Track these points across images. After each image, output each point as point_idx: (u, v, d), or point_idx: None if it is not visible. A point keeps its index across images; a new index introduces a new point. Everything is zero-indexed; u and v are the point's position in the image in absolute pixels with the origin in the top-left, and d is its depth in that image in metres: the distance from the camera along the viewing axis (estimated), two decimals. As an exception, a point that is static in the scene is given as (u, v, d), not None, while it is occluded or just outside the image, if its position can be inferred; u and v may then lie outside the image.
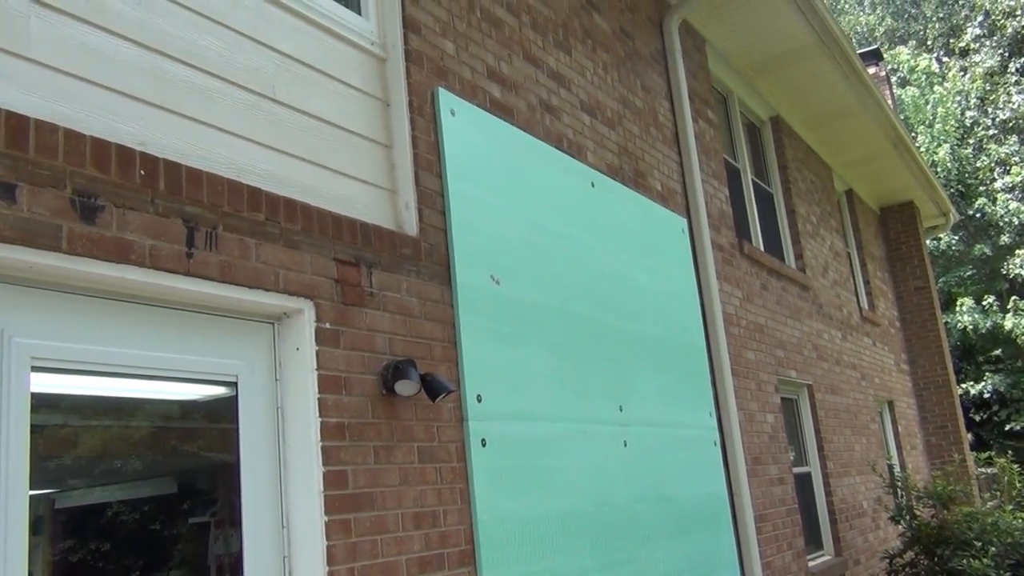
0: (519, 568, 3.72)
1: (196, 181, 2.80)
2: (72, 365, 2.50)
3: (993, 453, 9.67)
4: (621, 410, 4.78)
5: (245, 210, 2.94)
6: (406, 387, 3.23)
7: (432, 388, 3.34)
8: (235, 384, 2.95)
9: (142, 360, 2.67)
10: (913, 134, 23.58)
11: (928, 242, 15.15)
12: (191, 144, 2.91)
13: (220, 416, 2.98)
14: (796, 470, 7.52)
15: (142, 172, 2.63)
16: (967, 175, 23.19)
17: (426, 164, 3.83)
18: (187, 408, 3.00)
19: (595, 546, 4.27)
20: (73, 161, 2.46)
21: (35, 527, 2.65)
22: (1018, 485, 7.83)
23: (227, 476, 2.94)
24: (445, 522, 3.44)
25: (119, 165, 2.57)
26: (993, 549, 6.36)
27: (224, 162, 3.00)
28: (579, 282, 4.70)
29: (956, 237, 22.71)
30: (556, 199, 4.68)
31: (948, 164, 22.91)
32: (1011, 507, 7.56)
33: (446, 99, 4.01)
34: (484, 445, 3.70)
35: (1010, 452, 9.43)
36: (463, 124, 4.09)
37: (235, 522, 2.87)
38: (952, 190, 22.05)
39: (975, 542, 6.49)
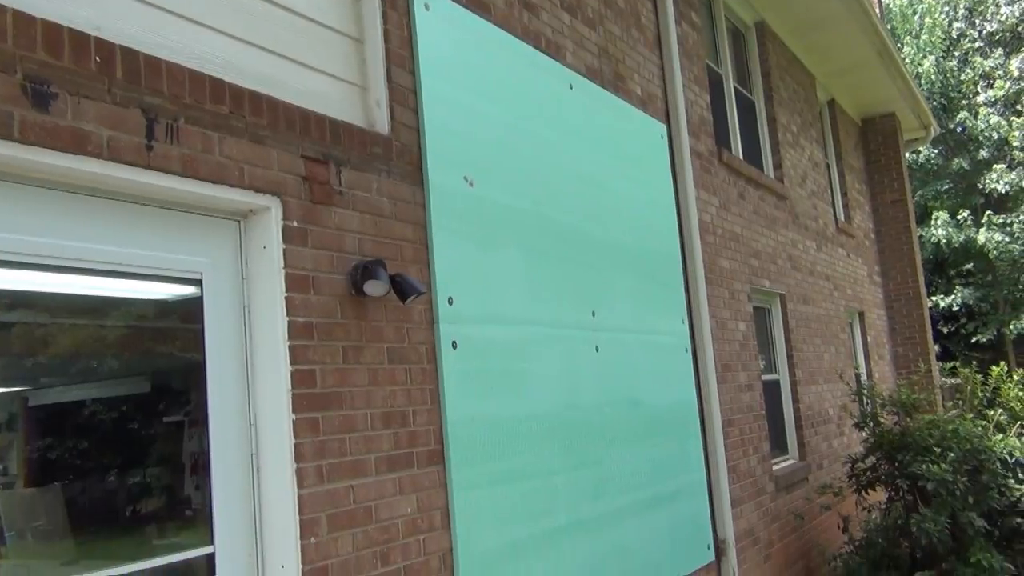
0: (487, 467, 3.77)
1: (155, 70, 2.69)
2: (29, 259, 2.43)
3: (958, 364, 9.86)
4: (594, 315, 4.78)
5: (208, 102, 2.84)
6: (375, 287, 3.19)
7: (402, 289, 3.31)
8: (200, 282, 2.90)
9: (103, 255, 2.61)
10: (899, 44, 23.27)
11: (907, 155, 15.11)
12: (150, 31, 2.78)
13: (190, 316, 2.93)
14: (765, 377, 7.65)
15: (97, 59, 2.52)
16: (950, 88, 23.03)
17: (399, 60, 3.71)
18: (158, 308, 2.95)
19: (564, 448, 4.33)
20: (23, 45, 2.34)
21: (9, 424, 2.64)
22: (980, 395, 8.00)
23: (199, 376, 2.91)
24: (414, 422, 3.46)
25: (73, 51, 2.46)
26: (952, 455, 6.53)
27: (185, 51, 2.87)
28: (554, 186, 4.63)
29: (936, 151, 22.72)
30: (533, 100, 4.58)
31: (932, 76, 22.72)
32: (971, 415, 7.74)
33: (420, -9, 3.86)
34: (455, 347, 3.69)
35: (974, 363, 9.61)
36: (437, 19, 3.95)
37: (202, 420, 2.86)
38: (935, 103, 21.93)
39: (935, 448, 6.66)
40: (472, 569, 3.58)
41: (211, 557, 2.80)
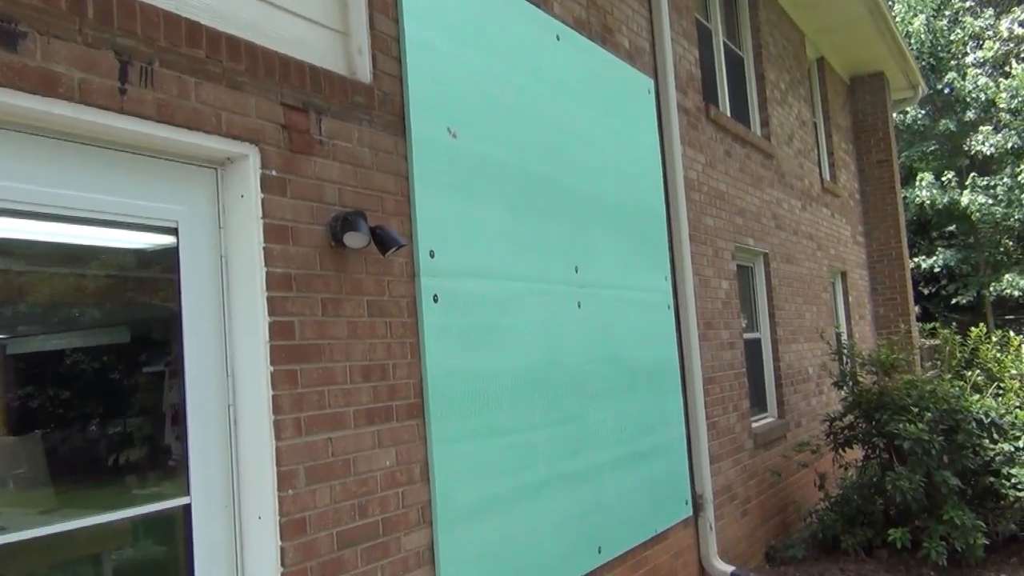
0: (468, 422, 3.77)
1: (129, 11, 2.60)
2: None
3: (938, 325, 9.93)
4: (576, 271, 4.76)
5: (184, 46, 2.76)
6: (355, 239, 3.15)
7: (382, 241, 3.26)
8: (176, 231, 2.84)
9: (76, 201, 2.55)
10: (890, 2, 23.06)
11: (895, 115, 15.06)
12: (123, -30, 2.68)
13: (167, 265, 2.88)
14: (747, 336, 7.67)
15: (67, -3, 2.43)
16: (940, 48, 22.90)
17: (381, 6, 3.62)
18: (134, 257, 2.89)
19: (545, 402, 4.33)
20: (-11, -19, 2.26)
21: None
22: (958, 356, 8.07)
23: (176, 326, 2.87)
24: (394, 376, 3.44)
25: (41, -12, 2.37)
26: (929, 415, 6.60)
27: (160, -8, 2.78)
28: (539, 139, 4.57)
29: (923, 111, 22.66)
30: (519, 51, 4.50)
31: (922, 35, 22.58)
32: (949, 376, 7.81)
33: (404, -65, 3.75)
34: (436, 301, 3.66)
35: (954, 324, 9.68)
36: (422, -36, 3.85)
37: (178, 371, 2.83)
38: (923, 63, 21.82)
39: (912, 408, 6.72)
40: (451, 522, 3.59)
41: (187, 508, 2.78)
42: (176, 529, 2.80)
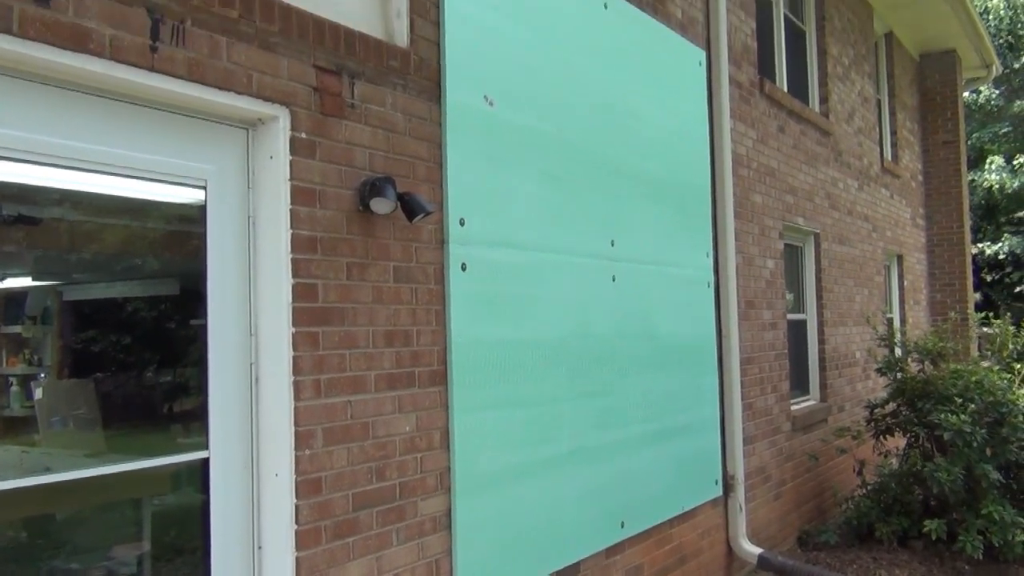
0: (492, 391, 3.77)
1: (162, -31, 2.62)
2: (28, 156, 2.42)
3: (991, 314, 9.63)
4: (613, 245, 4.71)
5: (217, 5, 2.77)
6: (381, 205, 3.15)
7: (410, 207, 3.26)
8: (204, 188, 2.87)
9: (106, 156, 2.59)
10: (969, -23, 22.18)
11: (966, 94, 14.54)
12: (159, -73, 2.70)
13: (196, 221, 2.92)
14: (792, 316, 7.55)
15: (100, -46, 2.45)
16: (1019, 25, 21.98)
17: (422, -31, 3.59)
18: (164, 212, 2.93)
19: (572, 375, 4.32)
20: (22, -64, 2.28)
21: (44, 317, 2.70)
22: (1010, 346, 7.82)
23: (203, 283, 2.92)
24: (418, 342, 3.46)
25: (74, -56, 2.39)
26: (972, 406, 6.42)
27: (195, -50, 2.79)
28: (581, 110, 4.51)
29: (997, 91, 21.84)
30: (563, 19, 4.42)
31: (1001, 12, 21.69)
32: (998, 367, 7.58)
33: (448, -102, 3.70)
34: (464, 269, 3.66)
35: (1009, 314, 9.38)
36: (466, -72, 3.79)
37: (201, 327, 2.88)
38: (1001, 40, 20.98)
39: (956, 398, 6.55)
40: (469, 489, 3.62)
41: (206, 462, 2.84)
42: (195, 482, 2.87)
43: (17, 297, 2.71)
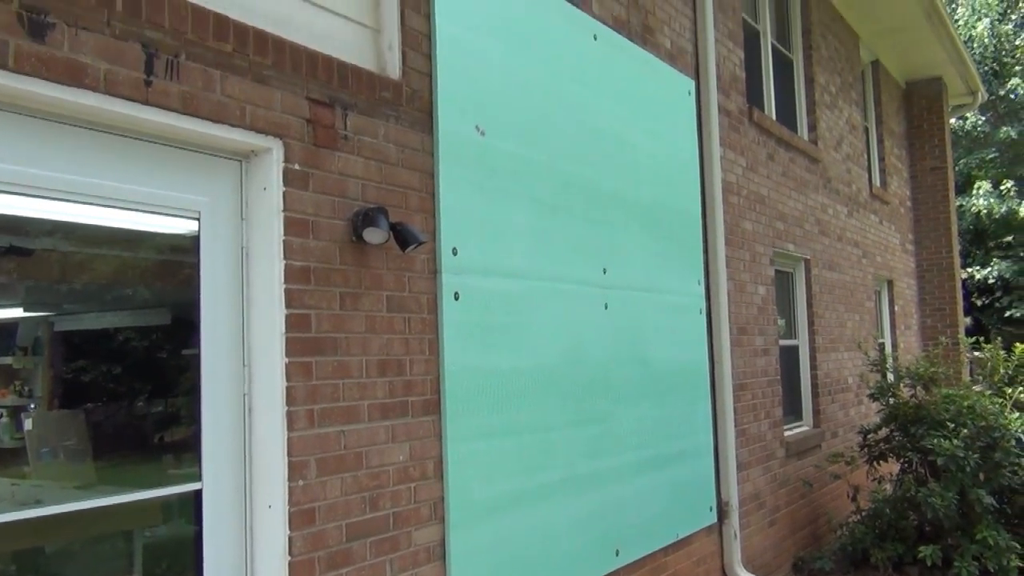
0: (485, 419, 3.77)
1: (157, 4, 2.65)
2: (23, 189, 2.43)
3: (982, 339, 9.68)
4: (605, 272, 4.73)
5: (211, 39, 2.80)
6: (374, 235, 3.17)
7: (403, 237, 3.28)
8: (198, 220, 2.89)
9: (100, 189, 2.60)
10: (953, 5, 22.52)
11: (952, 121, 14.69)
12: (153, -37, 2.73)
13: (189, 253, 2.93)
14: (784, 342, 7.57)
15: (96, -10, 2.48)
16: (1004, 53, 22.27)
17: (413, 3, 3.63)
18: (157, 244, 2.95)
19: (565, 403, 4.32)
20: (19, -27, 2.31)
21: (34, 348, 2.70)
22: (1001, 371, 7.86)
23: (196, 314, 2.92)
24: (411, 371, 3.46)
25: (70, -20, 2.42)
26: (965, 431, 6.44)
27: (190, -15, 2.82)
28: (572, 139, 4.55)
29: (983, 118, 22.06)
30: (553, 51, 4.48)
31: (986, 40, 21.97)
32: (989, 392, 7.61)
33: (439, -68, 3.76)
34: (457, 298, 3.67)
35: (999, 339, 9.43)
36: (457, -39, 3.85)
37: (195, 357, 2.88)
38: (986, 68, 21.24)
39: (948, 423, 6.57)
40: (464, 519, 3.61)
41: (199, 493, 2.83)
42: (187, 514, 2.86)
43: (8, 328, 2.71)
